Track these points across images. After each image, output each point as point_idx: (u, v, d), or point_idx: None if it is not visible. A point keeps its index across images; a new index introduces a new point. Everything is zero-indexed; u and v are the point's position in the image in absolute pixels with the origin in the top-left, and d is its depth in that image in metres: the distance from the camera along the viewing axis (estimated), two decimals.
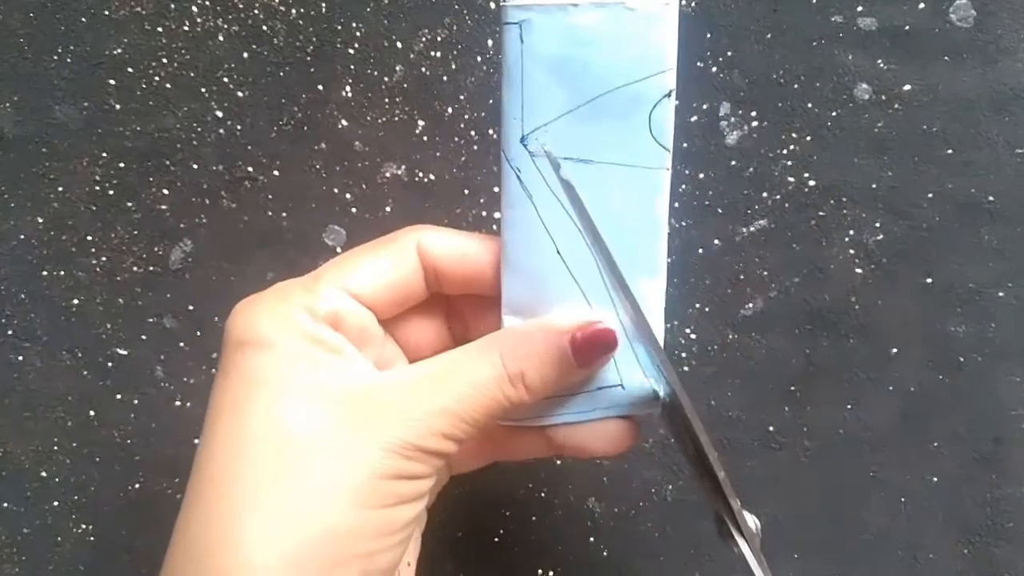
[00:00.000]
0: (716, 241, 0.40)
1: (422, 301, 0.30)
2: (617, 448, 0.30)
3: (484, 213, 0.40)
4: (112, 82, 0.40)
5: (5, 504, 0.41)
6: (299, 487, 0.25)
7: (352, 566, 0.25)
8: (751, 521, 0.29)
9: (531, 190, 0.28)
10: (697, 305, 0.40)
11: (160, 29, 0.40)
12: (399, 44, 0.40)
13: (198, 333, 0.41)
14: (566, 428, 0.30)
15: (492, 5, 0.40)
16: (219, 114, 0.40)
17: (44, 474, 0.41)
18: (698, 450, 0.28)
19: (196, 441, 0.40)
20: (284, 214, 0.40)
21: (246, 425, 0.26)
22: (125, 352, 0.41)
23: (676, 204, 0.39)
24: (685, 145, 0.39)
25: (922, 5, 0.39)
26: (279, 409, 0.26)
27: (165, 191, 0.41)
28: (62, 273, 0.41)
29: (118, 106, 0.40)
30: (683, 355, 0.40)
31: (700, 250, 0.40)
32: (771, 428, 0.40)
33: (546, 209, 0.28)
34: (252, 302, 0.28)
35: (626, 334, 0.29)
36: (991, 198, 0.39)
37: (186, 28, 0.40)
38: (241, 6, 0.40)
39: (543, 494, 0.40)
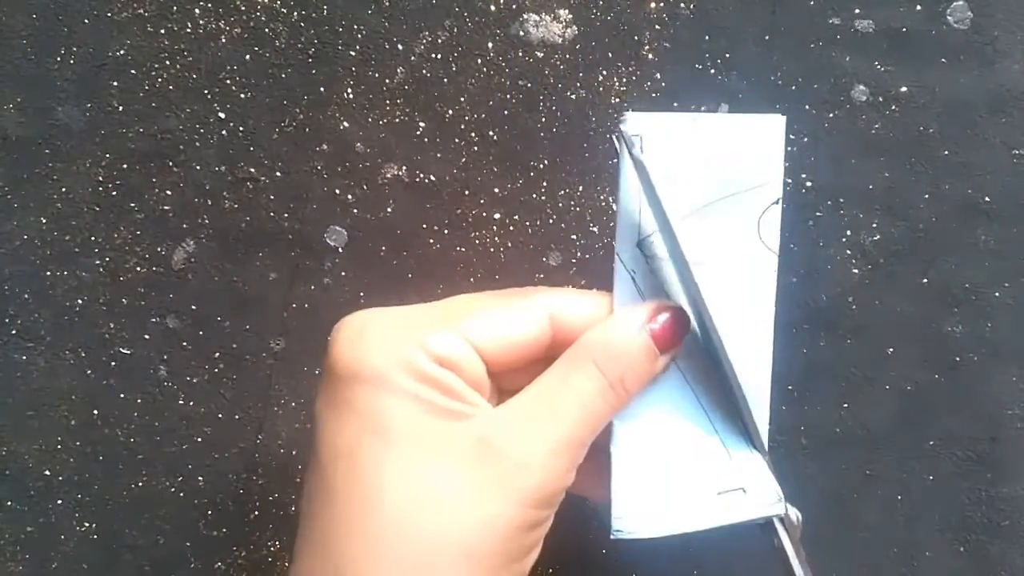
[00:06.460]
0: None
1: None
2: None
3: (484, 214, 0.40)
4: (115, 83, 0.41)
5: (9, 503, 0.41)
6: (431, 554, 0.25)
7: None
8: (792, 513, 0.30)
9: (645, 291, 0.29)
10: None
11: (163, 31, 0.40)
12: (400, 46, 0.40)
13: (200, 333, 0.41)
14: None
15: (492, 8, 0.40)
16: (221, 115, 0.41)
17: (47, 473, 0.41)
18: (746, 425, 0.29)
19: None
20: (286, 215, 0.41)
21: (369, 483, 0.25)
22: (128, 352, 0.41)
23: None
24: None
25: (919, 7, 0.39)
26: (400, 466, 0.25)
27: (168, 192, 0.41)
28: (65, 273, 0.41)
29: (121, 107, 0.41)
30: None
31: None
32: (768, 427, 0.40)
33: None
34: (364, 328, 0.27)
35: (746, 428, 0.30)
36: (987, 199, 0.39)
37: (188, 30, 0.40)
38: (243, 8, 0.40)
39: None
